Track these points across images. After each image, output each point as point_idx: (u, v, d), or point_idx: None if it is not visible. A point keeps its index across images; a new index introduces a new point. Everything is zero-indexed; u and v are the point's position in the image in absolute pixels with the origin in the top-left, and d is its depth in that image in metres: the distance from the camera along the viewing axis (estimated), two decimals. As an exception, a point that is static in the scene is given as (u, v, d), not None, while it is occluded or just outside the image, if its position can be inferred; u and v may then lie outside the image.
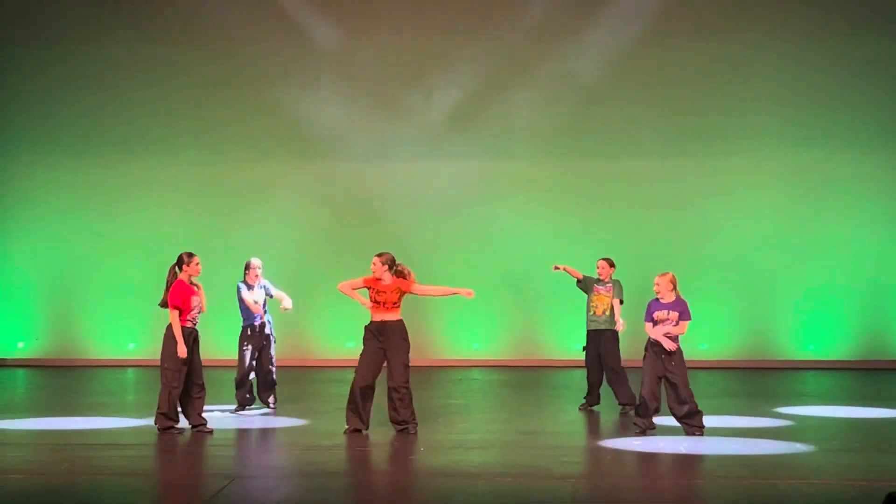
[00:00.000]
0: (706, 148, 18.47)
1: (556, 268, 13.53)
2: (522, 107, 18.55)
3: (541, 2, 18.57)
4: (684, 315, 11.22)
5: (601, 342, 13.04)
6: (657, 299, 11.30)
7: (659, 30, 18.41)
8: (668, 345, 11.10)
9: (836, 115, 18.33)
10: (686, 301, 11.29)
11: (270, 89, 18.62)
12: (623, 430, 11.80)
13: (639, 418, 11.34)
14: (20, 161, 18.81)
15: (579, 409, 13.14)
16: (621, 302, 13.04)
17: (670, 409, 11.25)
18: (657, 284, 11.29)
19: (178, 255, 11.53)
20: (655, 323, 11.25)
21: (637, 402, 11.44)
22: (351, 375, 11.61)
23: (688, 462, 10.37)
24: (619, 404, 12.93)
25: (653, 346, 11.25)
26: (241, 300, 13.04)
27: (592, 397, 13.19)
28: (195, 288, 11.46)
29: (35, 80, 18.83)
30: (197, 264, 11.48)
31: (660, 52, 18.46)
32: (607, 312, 13.00)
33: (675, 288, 11.28)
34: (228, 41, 18.59)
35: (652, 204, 18.40)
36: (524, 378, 16.81)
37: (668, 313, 11.21)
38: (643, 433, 11.27)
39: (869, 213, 18.32)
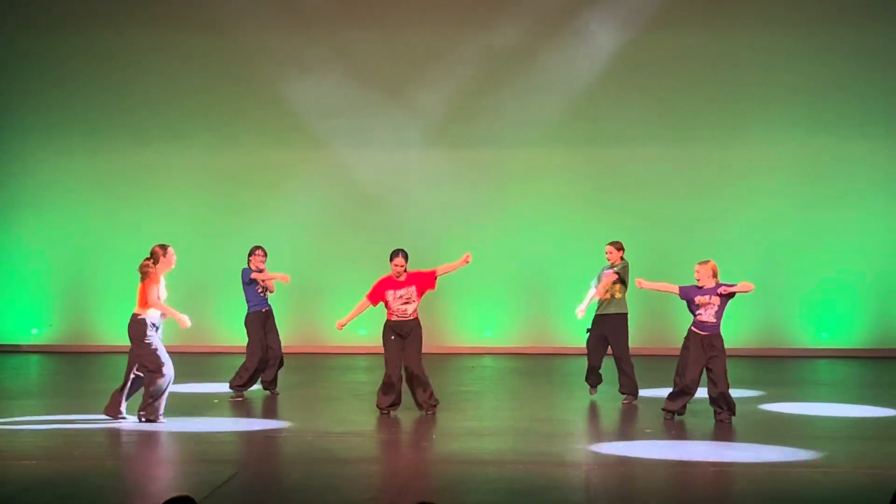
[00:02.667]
0: (719, 135, 18.39)
1: (581, 313, 13.14)
2: (536, 94, 18.48)
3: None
4: (727, 295, 11.18)
5: (606, 326, 12.91)
6: (697, 285, 11.32)
7: (672, 15, 18.32)
8: (741, 287, 11.16)
9: (849, 102, 18.23)
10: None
11: (284, 77, 18.58)
12: (634, 418, 11.79)
13: (670, 403, 11.38)
14: (34, 148, 18.83)
15: (590, 393, 13.07)
16: (619, 277, 12.81)
17: (708, 392, 11.34)
18: (697, 272, 11.30)
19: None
20: (697, 306, 11.24)
21: (674, 389, 11.40)
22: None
23: (698, 450, 10.36)
24: (621, 393, 12.85)
25: (694, 335, 11.27)
26: (248, 283, 13.14)
27: (594, 377, 13.03)
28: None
29: (48, 68, 18.83)
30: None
31: (672, 38, 18.37)
32: (616, 295, 12.87)
33: (715, 275, 11.26)
34: (242, 29, 18.56)
35: (665, 191, 18.33)
36: (536, 365, 16.80)
37: (710, 298, 11.20)
38: (672, 418, 11.33)
39: (883, 201, 18.23)
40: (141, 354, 11.21)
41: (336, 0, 18.60)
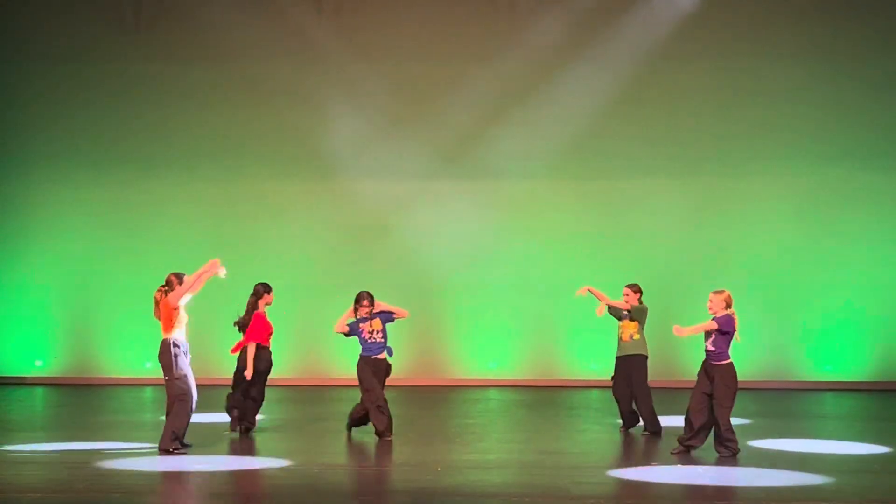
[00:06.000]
0: (724, 168, 18.44)
1: (581, 292, 13.22)
2: (540, 126, 18.55)
3: (556, 23, 18.57)
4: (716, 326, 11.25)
5: (629, 367, 12.91)
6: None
7: (676, 49, 18.41)
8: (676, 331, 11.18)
9: (855, 135, 18.29)
10: (728, 318, 11.26)
11: (287, 109, 18.67)
12: (643, 453, 11.75)
13: (682, 436, 11.38)
14: (40, 180, 18.90)
15: (621, 431, 13.03)
16: (631, 316, 12.85)
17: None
18: (710, 300, 11.31)
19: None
20: (707, 335, 11.28)
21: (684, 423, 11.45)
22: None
23: (706, 486, 10.31)
24: (646, 430, 12.82)
25: (702, 363, 11.32)
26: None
27: (631, 419, 13.03)
28: None
29: (54, 101, 18.93)
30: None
31: (678, 71, 18.45)
32: (635, 337, 12.88)
33: (728, 306, 11.28)
34: (248, 62, 18.66)
35: (670, 223, 18.36)
36: (541, 398, 16.75)
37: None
38: (686, 451, 11.26)
39: (888, 233, 18.25)
40: (168, 380, 11.24)
41: (342, 34, 18.70)
